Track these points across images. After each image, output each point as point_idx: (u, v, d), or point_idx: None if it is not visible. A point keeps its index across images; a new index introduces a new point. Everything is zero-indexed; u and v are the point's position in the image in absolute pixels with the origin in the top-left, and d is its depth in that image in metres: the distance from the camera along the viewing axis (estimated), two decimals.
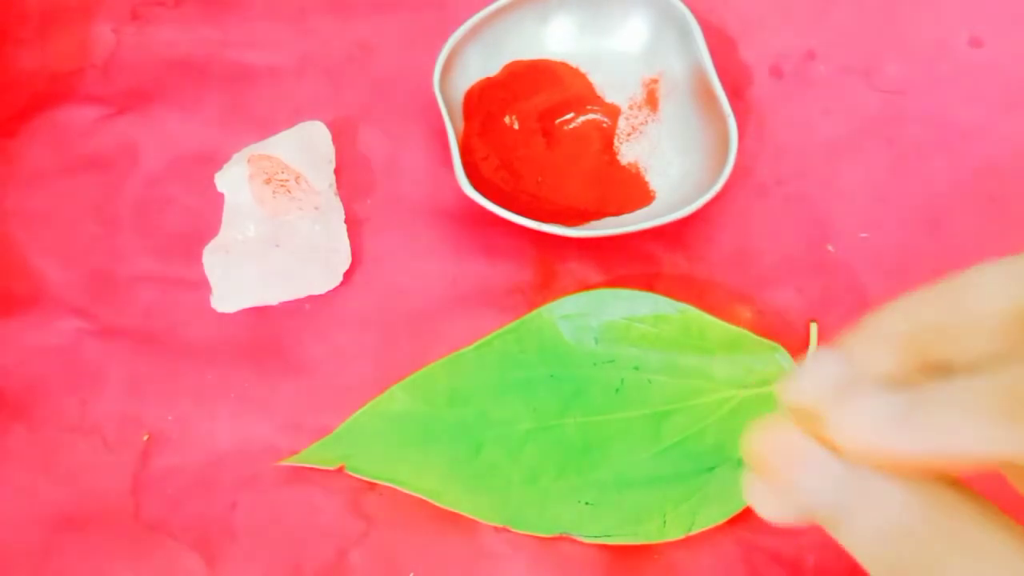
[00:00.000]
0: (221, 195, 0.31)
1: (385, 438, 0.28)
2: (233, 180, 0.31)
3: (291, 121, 0.33)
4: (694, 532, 0.27)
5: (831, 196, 0.33)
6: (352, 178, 0.33)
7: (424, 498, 0.27)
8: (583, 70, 0.34)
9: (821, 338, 0.29)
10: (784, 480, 0.14)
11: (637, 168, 0.33)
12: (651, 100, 0.33)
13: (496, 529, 0.27)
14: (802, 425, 0.15)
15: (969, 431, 0.13)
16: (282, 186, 0.30)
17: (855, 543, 0.14)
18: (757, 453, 0.15)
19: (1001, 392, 0.12)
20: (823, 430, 0.14)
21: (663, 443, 0.28)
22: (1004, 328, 0.13)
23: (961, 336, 0.14)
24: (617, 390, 0.28)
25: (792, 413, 0.15)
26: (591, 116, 0.34)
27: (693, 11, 0.32)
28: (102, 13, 0.36)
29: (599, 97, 0.34)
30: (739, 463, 0.27)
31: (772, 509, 0.15)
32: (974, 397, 0.13)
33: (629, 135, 0.33)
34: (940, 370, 0.14)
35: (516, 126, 0.33)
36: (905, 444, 0.13)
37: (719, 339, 0.29)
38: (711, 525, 0.27)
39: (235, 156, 0.32)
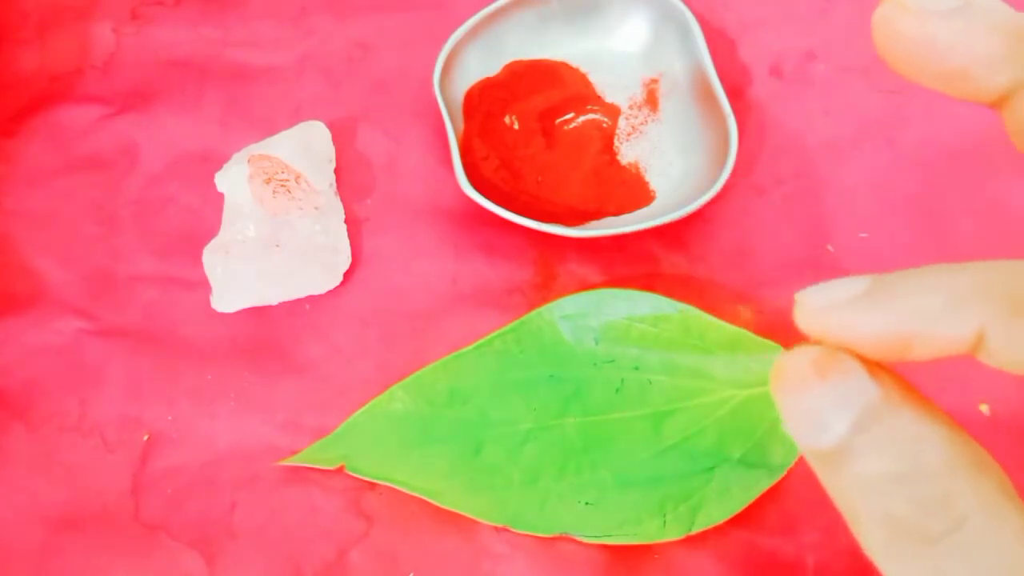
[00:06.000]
0: (221, 195, 0.31)
1: (385, 438, 0.28)
2: (233, 180, 0.31)
3: (291, 121, 0.33)
4: (694, 532, 0.27)
5: (831, 196, 0.33)
6: (352, 178, 0.33)
7: (424, 498, 0.27)
8: (583, 70, 0.34)
9: None
10: (806, 396, 0.13)
11: (637, 168, 0.33)
12: (651, 100, 0.33)
13: (496, 529, 0.27)
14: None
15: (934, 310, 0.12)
16: (282, 186, 0.30)
17: (857, 481, 0.13)
18: (788, 367, 0.14)
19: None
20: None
21: (663, 443, 0.28)
22: None
23: None
24: (617, 390, 0.28)
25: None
26: (591, 116, 0.34)
27: (693, 11, 0.32)
28: (102, 13, 0.36)
29: (599, 97, 0.34)
30: (739, 463, 0.27)
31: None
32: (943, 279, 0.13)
33: (629, 135, 0.33)
34: None
35: (516, 126, 0.33)
36: (872, 323, 0.13)
37: (719, 339, 0.29)
38: (711, 525, 0.27)
39: (235, 156, 0.32)
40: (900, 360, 0.13)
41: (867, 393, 0.13)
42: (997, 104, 0.14)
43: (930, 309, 0.12)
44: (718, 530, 0.27)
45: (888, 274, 0.13)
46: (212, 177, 0.31)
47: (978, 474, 0.12)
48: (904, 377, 0.14)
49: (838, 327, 0.13)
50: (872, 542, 0.13)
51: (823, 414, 0.13)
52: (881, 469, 0.12)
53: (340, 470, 0.28)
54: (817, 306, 0.14)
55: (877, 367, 0.13)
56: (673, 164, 0.32)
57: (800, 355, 0.14)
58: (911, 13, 0.14)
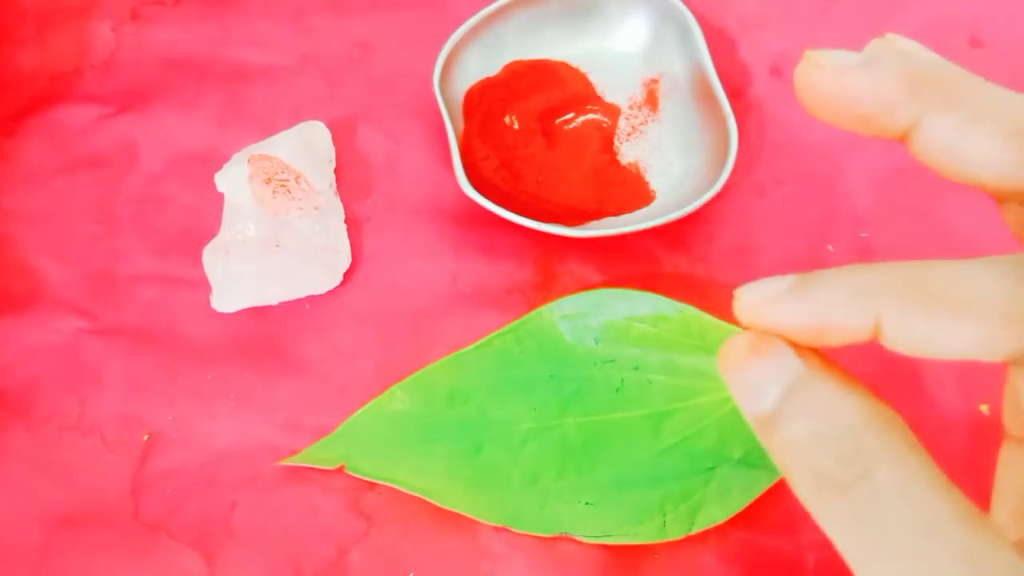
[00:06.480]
0: (221, 195, 0.31)
1: (385, 438, 0.28)
2: (233, 180, 0.31)
3: (291, 121, 0.33)
4: (694, 532, 0.27)
5: (831, 196, 0.33)
6: (352, 178, 0.33)
7: (424, 498, 0.27)
8: (583, 70, 0.34)
9: None
10: (744, 371, 0.16)
11: (637, 168, 0.33)
12: (651, 100, 0.33)
13: (496, 529, 0.27)
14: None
15: (844, 303, 0.14)
16: (282, 186, 0.30)
17: (787, 442, 0.15)
18: (730, 349, 0.16)
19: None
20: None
21: (663, 443, 0.28)
22: None
23: None
24: (617, 390, 0.28)
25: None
26: (591, 116, 0.34)
27: (693, 11, 0.32)
28: (101, 12, 0.36)
29: (599, 97, 0.34)
30: (739, 463, 0.27)
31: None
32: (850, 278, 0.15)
33: (629, 135, 0.33)
34: None
35: (516, 126, 0.33)
36: (792, 315, 0.15)
37: (719, 339, 0.29)
38: (711, 525, 0.27)
39: (235, 156, 0.32)
40: (818, 344, 0.15)
41: (793, 368, 0.15)
42: (902, 139, 0.16)
43: (837, 302, 0.15)
44: (718, 530, 0.27)
45: (809, 272, 0.15)
46: (212, 177, 0.31)
47: (887, 431, 0.14)
48: (827, 354, 0.16)
49: (766, 318, 0.15)
50: (804, 494, 0.15)
51: (759, 386, 0.15)
52: (806, 429, 0.15)
53: (340, 470, 0.28)
54: (750, 301, 0.16)
55: (803, 348, 0.16)
56: (673, 164, 0.32)
57: (740, 339, 0.16)
58: (823, 69, 0.16)
